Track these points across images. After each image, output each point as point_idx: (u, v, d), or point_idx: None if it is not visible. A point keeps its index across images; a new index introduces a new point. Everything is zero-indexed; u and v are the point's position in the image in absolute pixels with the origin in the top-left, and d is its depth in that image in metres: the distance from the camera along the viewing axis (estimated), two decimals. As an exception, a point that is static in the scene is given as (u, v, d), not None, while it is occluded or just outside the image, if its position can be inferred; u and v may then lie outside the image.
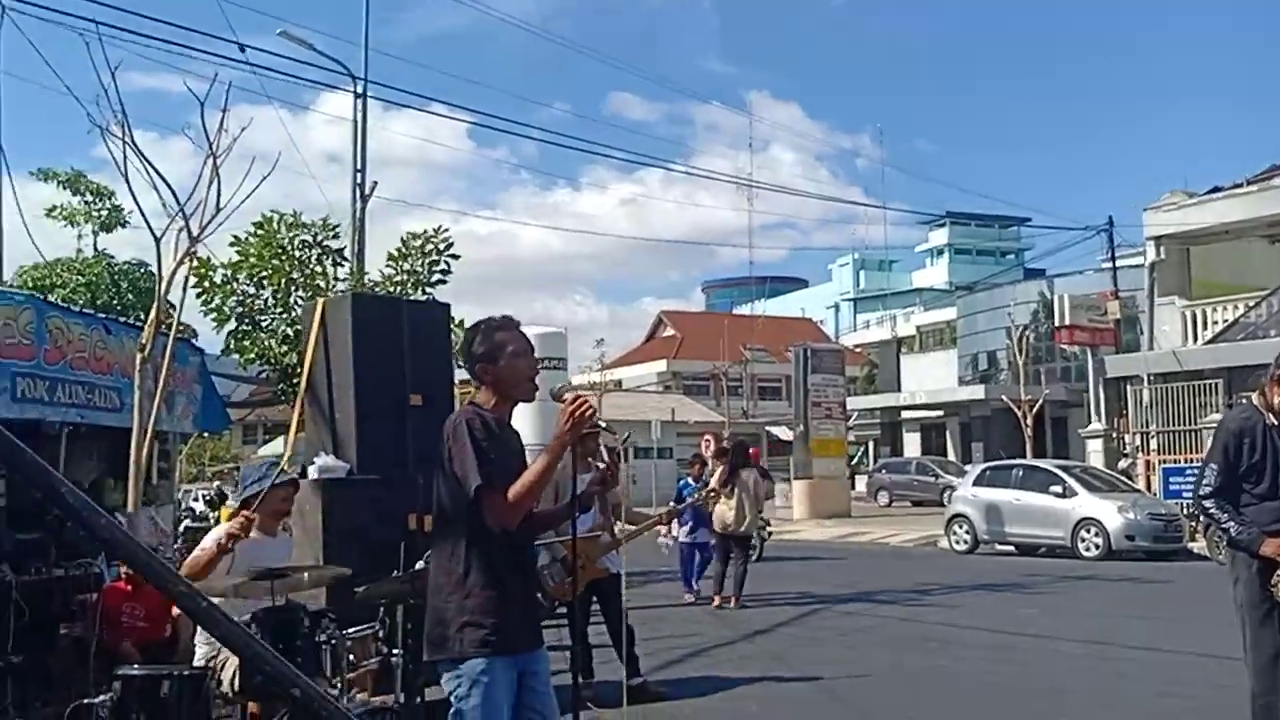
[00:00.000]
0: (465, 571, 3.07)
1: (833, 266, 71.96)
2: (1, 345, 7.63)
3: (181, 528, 12.55)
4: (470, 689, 2.99)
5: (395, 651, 4.16)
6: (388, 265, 12.15)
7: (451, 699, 3.04)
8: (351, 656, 4.16)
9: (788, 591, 11.30)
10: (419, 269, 12.09)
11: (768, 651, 8.33)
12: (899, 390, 40.86)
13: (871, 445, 43.25)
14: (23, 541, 7.12)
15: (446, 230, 12.19)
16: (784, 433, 36.63)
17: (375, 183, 15.44)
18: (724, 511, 10.56)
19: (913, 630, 9.23)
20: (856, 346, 50.06)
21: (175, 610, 5.90)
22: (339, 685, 4.00)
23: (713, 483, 10.50)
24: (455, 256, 12.14)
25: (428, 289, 12.03)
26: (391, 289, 12.01)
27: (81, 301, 18.78)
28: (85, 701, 3.88)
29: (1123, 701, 6.39)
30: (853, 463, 39.79)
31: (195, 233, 8.20)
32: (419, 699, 3.87)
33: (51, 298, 18.31)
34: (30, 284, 18.80)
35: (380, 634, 4.33)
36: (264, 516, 4.62)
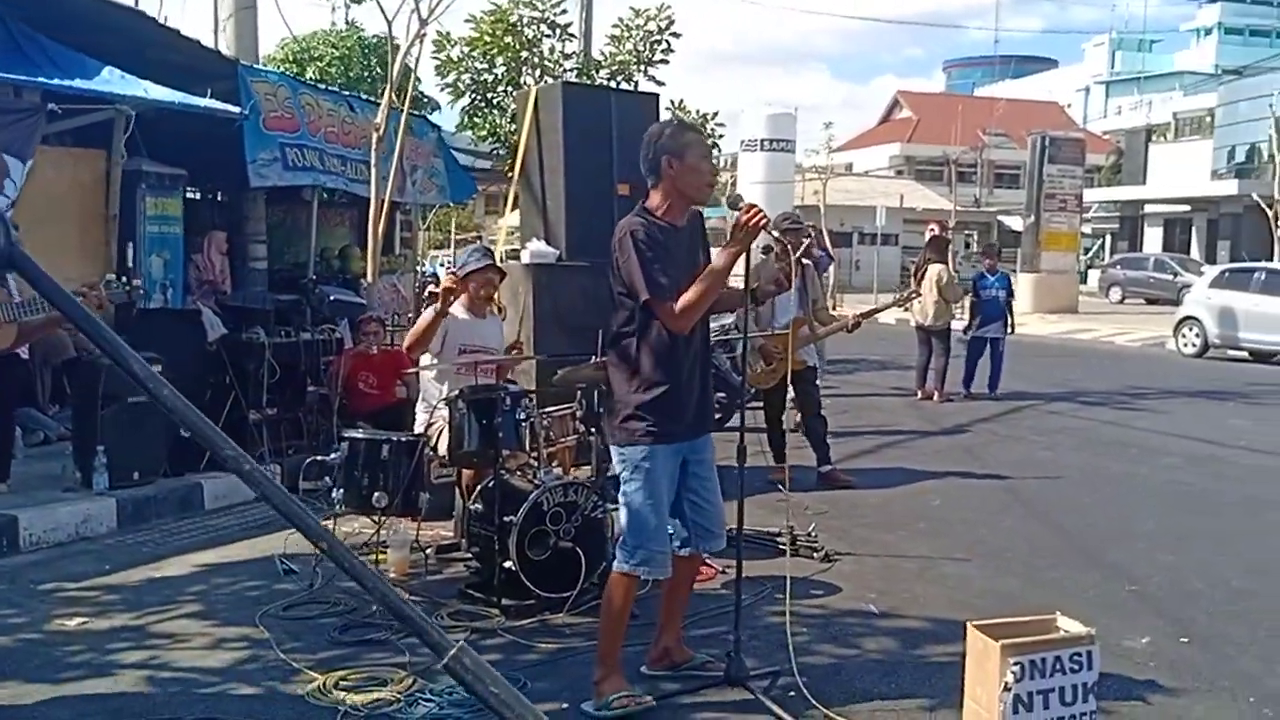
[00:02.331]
0: (635, 367, 3.30)
1: (1086, 46, 64.48)
2: (268, 118, 8.39)
3: (425, 293, 13.68)
4: (633, 473, 3.29)
5: (590, 431, 4.57)
6: (608, 45, 12.10)
7: (620, 479, 3.37)
8: (550, 434, 4.60)
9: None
10: (641, 48, 11.95)
11: (962, 446, 8.40)
12: (1144, 183, 37.28)
13: (1109, 239, 40.23)
14: (281, 303, 8.05)
15: (669, 8, 11.89)
16: (1017, 223, 34.67)
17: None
18: (918, 305, 10.54)
19: (1116, 434, 9.00)
20: (1105, 133, 45.60)
21: (405, 375, 6.63)
22: (537, 458, 4.48)
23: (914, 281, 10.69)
24: (676, 35, 11.89)
25: (650, 69, 11.93)
26: (614, 68, 12.01)
27: (335, 72, 19.91)
28: (319, 457, 4.51)
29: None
30: (1087, 255, 37.36)
31: (424, 15, 8.50)
32: (608, 474, 4.27)
33: (309, 70, 19.59)
34: (291, 56, 20.03)
35: (578, 414, 4.74)
36: (471, 299, 5.01)
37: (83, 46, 7.05)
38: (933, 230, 12.10)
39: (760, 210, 3.25)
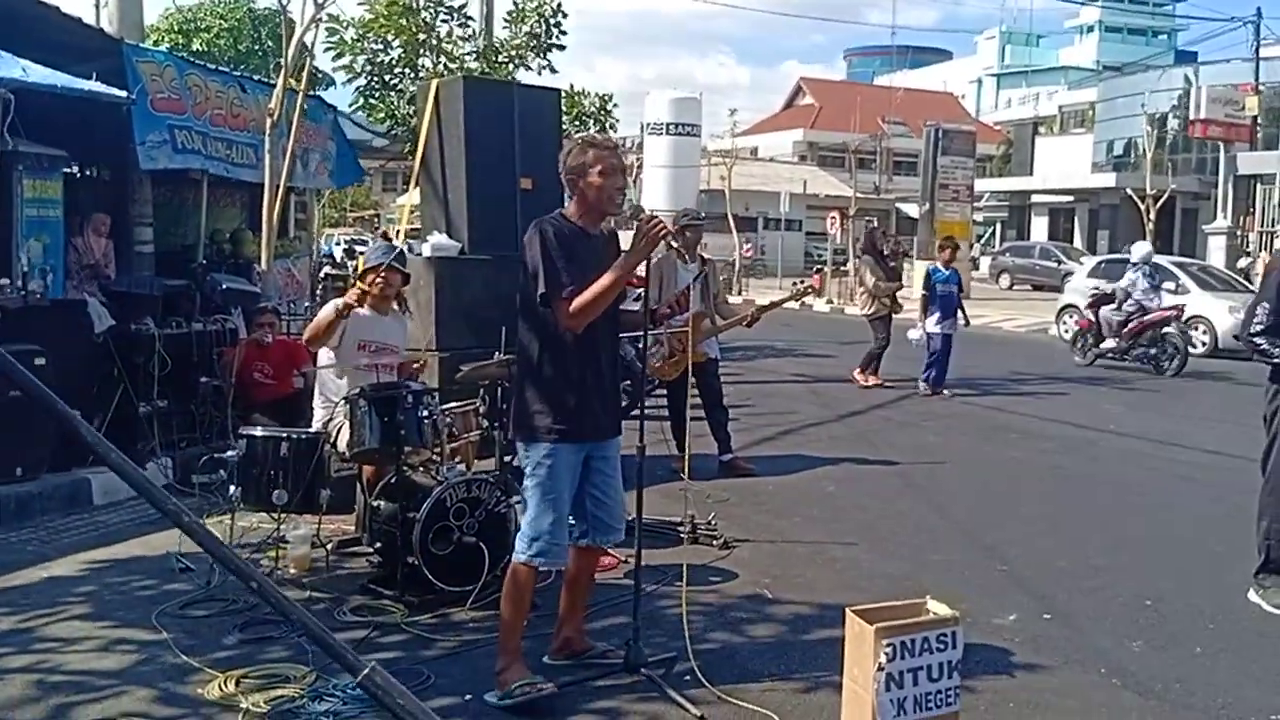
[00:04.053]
0: (540, 365, 3.41)
1: (979, 39, 67.33)
2: (155, 99, 8.11)
3: (322, 274, 13.41)
4: (535, 469, 3.40)
5: (494, 425, 4.62)
6: (504, 29, 12.12)
7: (523, 473, 3.47)
8: (454, 429, 4.64)
9: (888, 373, 11.54)
10: (537, 31, 11.99)
11: (856, 433, 8.73)
12: (1031, 174, 39.05)
13: (999, 227, 41.96)
14: (170, 289, 7.83)
15: None
16: (914, 210, 35.84)
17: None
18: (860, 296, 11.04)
19: (999, 420, 9.48)
20: (996, 124, 47.46)
21: (304, 366, 6.54)
22: (440, 454, 4.52)
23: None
24: (565, 14, 11.99)
25: (547, 54, 11.99)
26: (512, 52, 12.01)
27: (224, 44, 19.23)
28: (216, 455, 4.45)
29: (1176, 502, 6.61)
30: (981, 242, 38.89)
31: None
32: (512, 467, 4.33)
33: (195, 42, 18.87)
34: (176, 27, 19.26)
35: (481, 409, 4.79)
36: (375, 297, 4.98)
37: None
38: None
39: (660, 221, 3.38)
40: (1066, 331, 17.34)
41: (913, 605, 3.20)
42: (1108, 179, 32.78)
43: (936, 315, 10.54)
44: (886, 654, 2.92)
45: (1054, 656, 3.93)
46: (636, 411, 3.65)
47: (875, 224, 12.41)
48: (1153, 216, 23.51)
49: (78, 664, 3.69)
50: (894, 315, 11.04)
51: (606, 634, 3.94)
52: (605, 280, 3.33)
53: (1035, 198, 38.64)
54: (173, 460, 6.35)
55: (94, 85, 6.86)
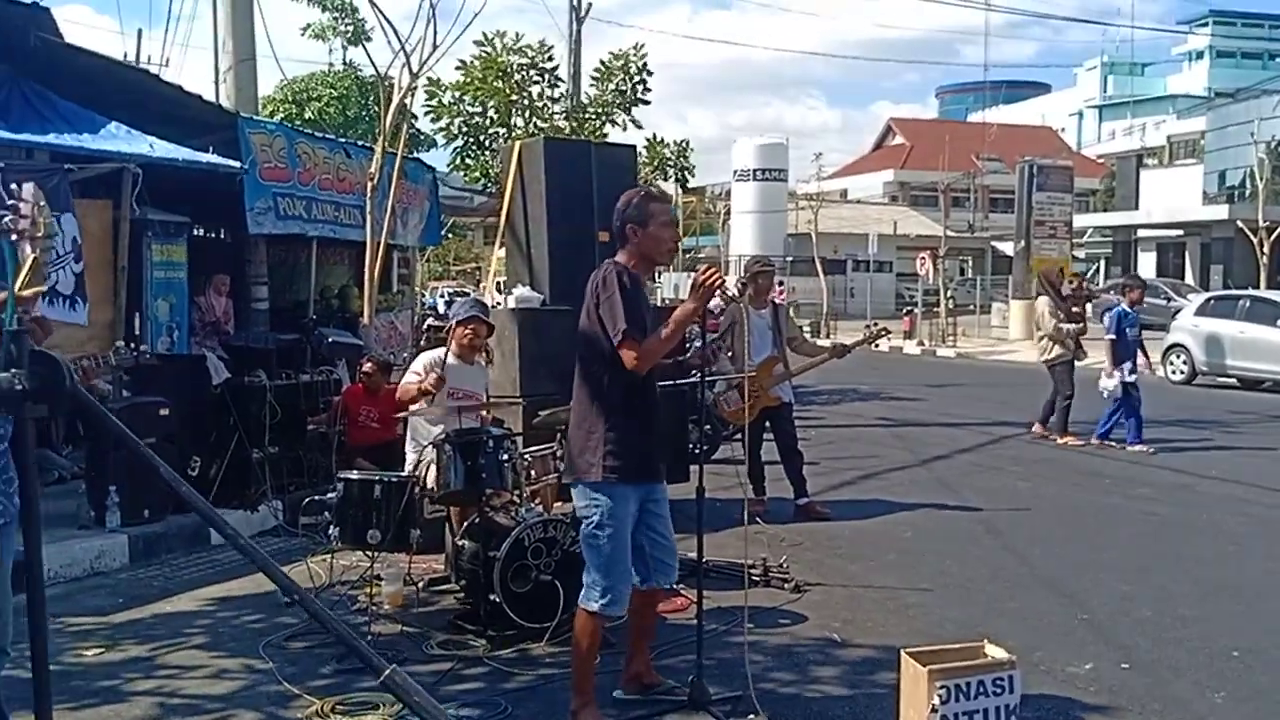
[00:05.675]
0: (602, 408, 3.57)
1: (1078, 70, 65.89)
2: (263, 169, 8.78)
3: (425, 325, 14.07)
4: (598, 513, 3.55)
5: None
6: (591, 86, 12.67)
7: (583, 520, 3.63)
8: (532, 473, 4.90)
9: (978, 417, 11.38)
10: (624, 88, 12.51)
11: (940, 478, 8.66)
12: (1136, 207, 37.81)
13: (1103, 264, 40.63)
14: (283, 343, 8.38)
15: (644, 46, 12.51)
16: (1010, 248, 35.24)
17: (590, 2, 15.66)
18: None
19: (1093, 465, 9.25)
20: (1099, 157, 46.20)
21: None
22: (519, 497, 4.78)
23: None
24: (650, 73, 12.48)
25: (633, 109, 12.48)
26: (600, 109, 12.55)
27: (334, 111, 20.46)
28: (315, 497, 4.79)
29: (1274, 550, 6.37)
30: (1087, 278, 37.78)
31: (415, 69, 8.90)
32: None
33: (308, 110, 20.09)
34: (290, 96, 20.59)
35: (558, 454, 5.03)
36: (463, 347, 5.36)
37: (90, 101, 7.40)
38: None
39: (717, 271, 3.58)
40: (1174, 372, 16.77)
41: (970, 648, 3.28)
42: (1219, 211, 31.57)
43: (1130, 363, 9.94)
44: (940, 696, 3.01)
45: (1129, 706, 3.90)
46: (715, 455, 3.82)
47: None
48: (1266, 250, 22.56)
49: (193, 689, 4.04)
50: (1077, 361, 10.43)
51: (675, 672, 4.07)
52: (670, 327, 3.54)
53: (1141, 232, 37.37)
54: (282, 503, 6.79)
55: (211, 158, 7.49)
